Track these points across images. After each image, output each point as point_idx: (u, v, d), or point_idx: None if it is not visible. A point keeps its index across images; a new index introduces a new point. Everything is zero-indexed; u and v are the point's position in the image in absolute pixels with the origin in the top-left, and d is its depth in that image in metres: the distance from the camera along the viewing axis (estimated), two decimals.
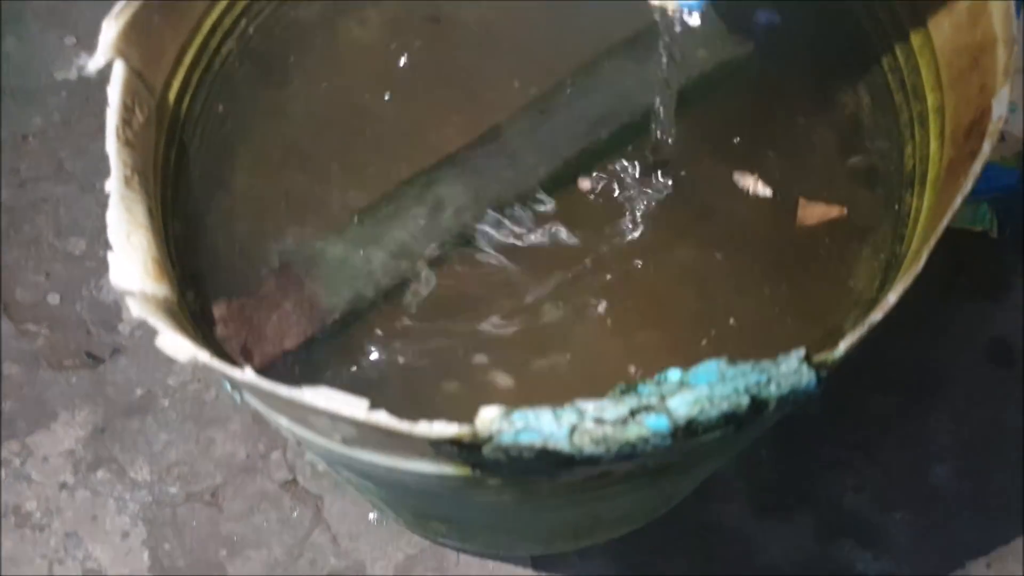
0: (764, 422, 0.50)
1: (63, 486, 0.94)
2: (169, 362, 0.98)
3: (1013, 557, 0.93)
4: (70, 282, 1.03)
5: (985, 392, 1.00)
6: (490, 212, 0.63)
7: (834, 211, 0.65)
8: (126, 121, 0.52)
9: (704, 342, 0.61)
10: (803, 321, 0.61)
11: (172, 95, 0.60)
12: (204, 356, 0.45)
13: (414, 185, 0.63)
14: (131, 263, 0.49)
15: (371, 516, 0.93)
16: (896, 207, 0.64)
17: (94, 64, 0.51)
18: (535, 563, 0.92)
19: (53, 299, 1.02)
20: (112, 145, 0.50)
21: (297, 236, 0.62)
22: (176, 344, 0.46)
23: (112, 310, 1.01)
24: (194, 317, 0.57)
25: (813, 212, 0.65)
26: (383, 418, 0.44)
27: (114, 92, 0.51)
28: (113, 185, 0.49)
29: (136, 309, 0.47)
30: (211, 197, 0.63)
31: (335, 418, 0.46)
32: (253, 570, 0.91)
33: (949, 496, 0.96)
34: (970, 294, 1.04)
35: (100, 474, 0.95)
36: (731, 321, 0.62)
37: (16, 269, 1.03)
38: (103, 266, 1.02)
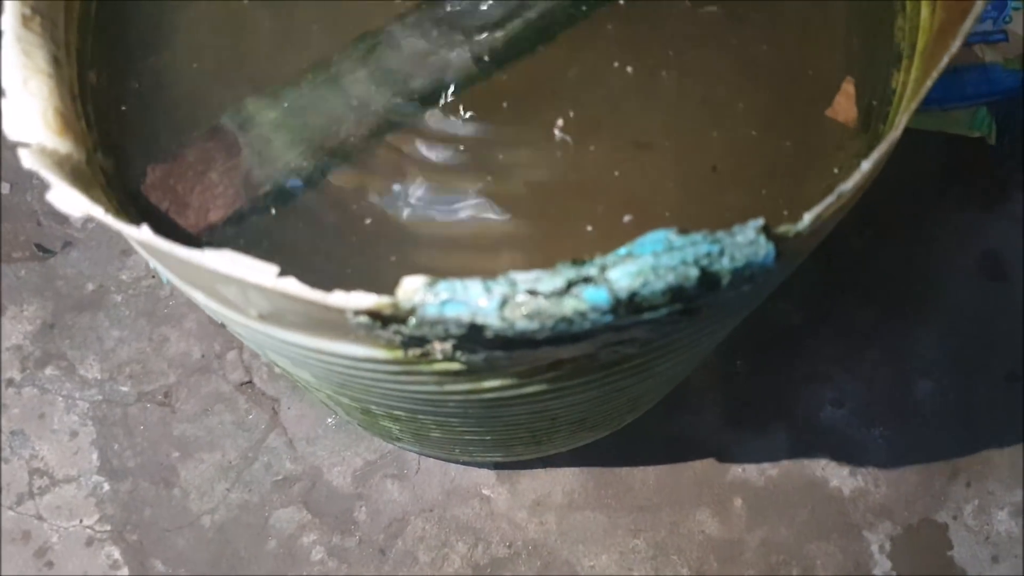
0: (719, 304, 0.46)
1: (9, 383, 0.91)
2: (123, 256, 0.94)
3: (994, 475, 0.90)
4: (20, 170, 0.98)
5: (975, 305, 0.96)
6: (436, 79, 0.57)
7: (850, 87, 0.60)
8: None
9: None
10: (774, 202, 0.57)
11: None
12: (98, 211, 0.41)
13: (358, 48, 0.58)
14: (28, 111, 0.44)
15: (329, 420, 0.90)
16: (883, 86, 0.59)
17: None
18: (498, 473, 0.89)
19: (3, 188, 0.97)
20: None
21: (229, 99, 0.56)
22: (69, 198, 0.41)
23: None
24: (113, 185, 0.52)
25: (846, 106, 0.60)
26: (293, 286, 0.40)
27: None
28: (7, 22, 0.44)
29: (28, 161, 0.42)
30: (138, 55, 0.57)
31: (244, 287, 0.42)
32: (205, 473, 0.88)
33: (931, 412, 0.93)
34: (964, 203, 1.00)
35: (48, 371, 0.91)
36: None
37: None
38: None
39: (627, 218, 0.54)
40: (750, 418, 0.92)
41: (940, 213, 1.00)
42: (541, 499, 0.88)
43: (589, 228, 0.55)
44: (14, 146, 0.44)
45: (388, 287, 0.54)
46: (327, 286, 0.51)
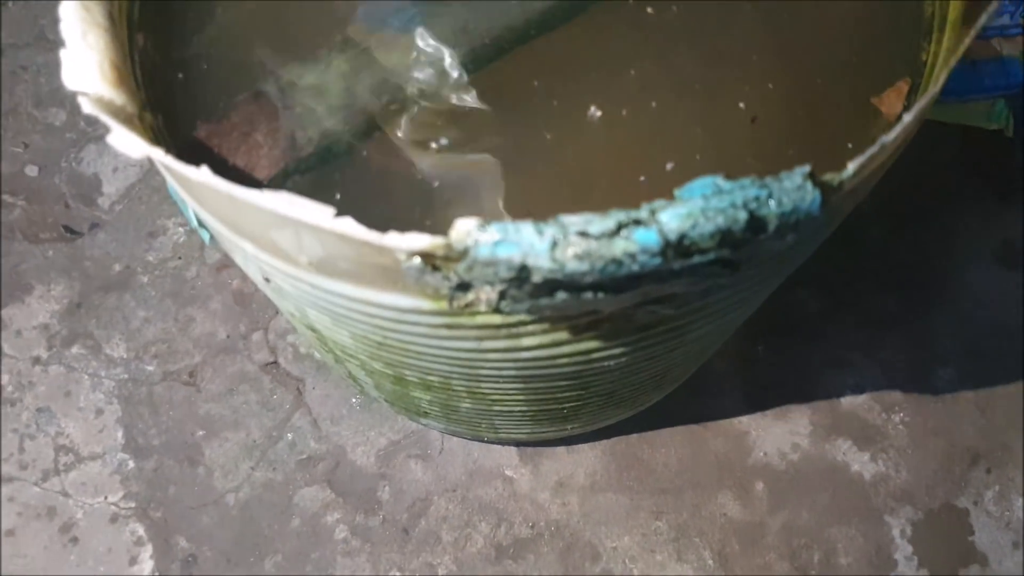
0: (760, 256, 0.47)
1: (36, 360, 0.91)
2: (149, 238, 0.95)
3: (1014, 462, 0.91)
4: (49, 153, 0.99)
5: (992, 294, 0.97)
6: (479, 48, 0.58)
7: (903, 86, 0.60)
8: None
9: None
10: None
11: None
12: (158, 153, 0.42)
13: (401, 17, 0.59)
14: (86, 62, 0.45)
15: (353, 400, 0.90)
16: (913, 59, 0.60)
17: None
18: (521, 454, 0.90)
19: (31, 170, 0.98)
20: None
21: (274, 62, 0.57)
22: (128, 141, 0.42)
23: (92, 183, 0.98)
24: (159, 143, 0.53)
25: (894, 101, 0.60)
26: (350, 226, 0.41)
27: None
28: None
29: (88, 107, 0.43)
30: (183, 18, 0.58)
31: (300, 229, 0.43)
32: (230, 451, 0.89)
33: (951, 398, 0.93)
34: (981, 194, 1.01)
35: (75, 349, 0.92)
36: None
37: None
38: (84, 137, 0.99)
39: (670, 165, 0.55)
40: (772, 402, 0.92)
41: (958, 203, 1.01)
42: (564, 480, 0.89)
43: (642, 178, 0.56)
44: (73, 93, 0.45)
45: None
46: None
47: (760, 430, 0.91)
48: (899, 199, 0.98)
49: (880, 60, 0.61)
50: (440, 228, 0.57)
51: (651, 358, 0.64)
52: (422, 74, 0.58)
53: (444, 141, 0.57)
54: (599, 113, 0.58)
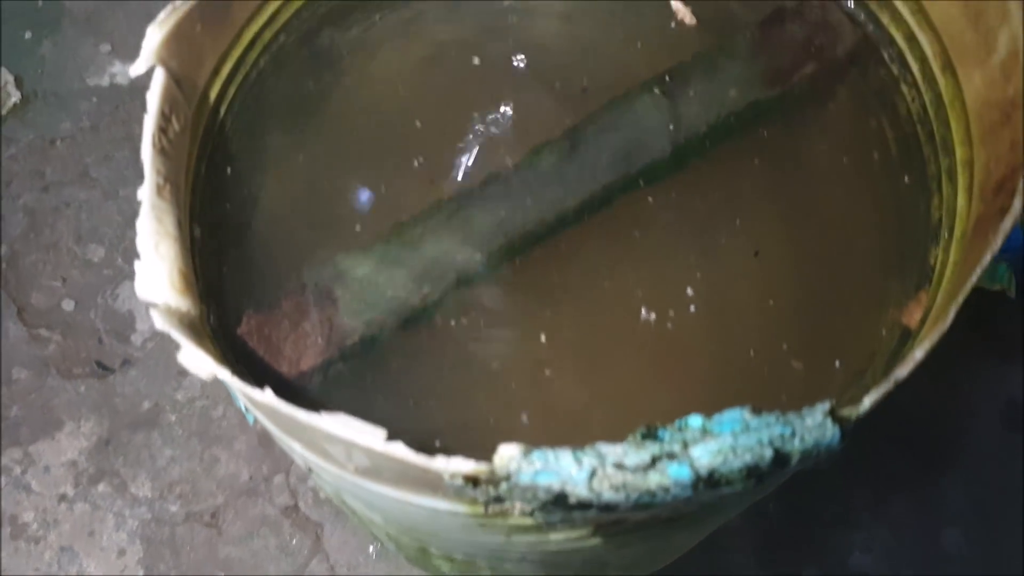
0: (783, 475, 0.50)
1: (62, 498, 0.93)
2: (179, 376, 0.98)
3: None
4: (86, 289, 1.02)
5: (998, 456, 0.99)
6: (515, 241, 0.62)
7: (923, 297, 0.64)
8: (162, 129, 0.51)
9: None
10: (823, 374, 0.61)
11: (208, 105, 0.60)
12: (225, 374, 0.45)
13: (443, 210, 0.63)
14: (158, 274, 0.49)
15: (371, 548, 0.92)
16: (921, 262, 0.63)
17: (135, 70, 0.51)
18: None
19: (68, 305, 1.02)
20: (147, 153, 0.50)
21: (322, 254, 0.61)
22: (197, 360, 0.45)
23: (126, 320, 1.01)
24: (213, 330, 0.56)
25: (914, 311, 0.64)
26: (400, 450, 0.43)
27: (153, 99, 0.51)
28: (145, 194, 0.49)
29: (160, 322, 0.46)
30: (238, 209, 0.62)
31: (351, 447, 0.46)
32: None
33: (959, 562, 0.94)
34: (985, 354, 1.04)
35: (101, 487, 0.94)
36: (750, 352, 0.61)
37: (33, 273, 1.03)
38: (120, 274, 1.03)
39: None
40: (782, 560, 0.94)
41: (963, 362, 1.04)
42: None
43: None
44: (146, 305, 0.48)
45: (460, 432, 0.58)
46: (403, 427, 0.54)
47: None
48: None
49: (891, 261, 0.65)
50: (473, 422, 0.60)
51: (671, 540, 0.66)
52: (461, 265, 0.62)
53: (478, 331, 0.61)
54: (642, 315, 0.62)
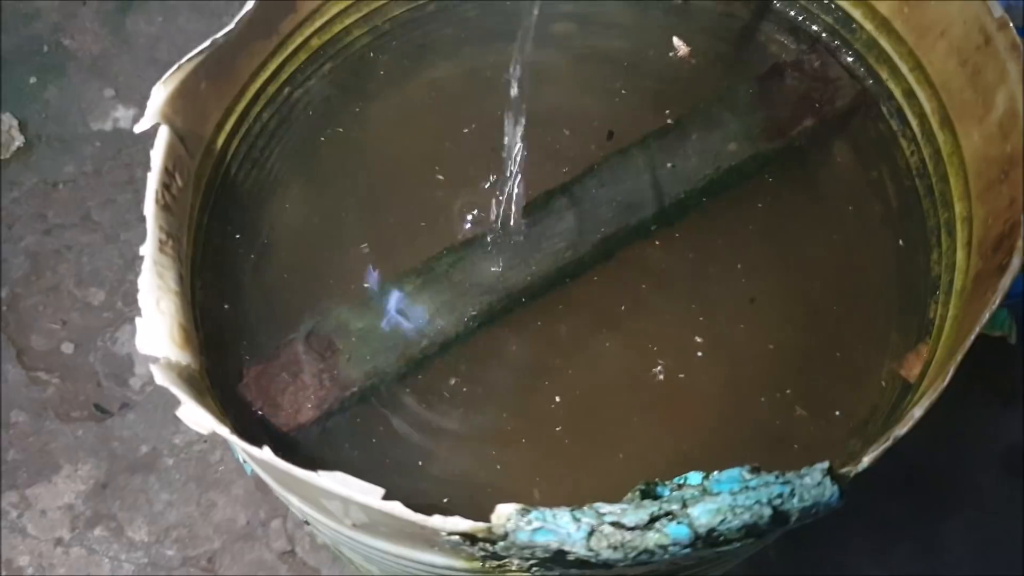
0: (782, 531, 0.50)
1: (59, 542, 0.93)
2: (177, 420, 0.97)
3: None
4: (85, 332, 1.03)
5: (998, 501, 0.99)
6: (514, 294, 0.63)
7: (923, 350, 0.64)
8: (166, 186, 0.52)
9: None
10: (824, 424, 0.61)
11: (212, 158, 0.60)
12: (224, 431, 0.45)
13: (442, 262, 0.63)
14: (158, 330, 0.49)
15: None
16: (920, 315, 0.63)
17: (140, 127, 0.52)
18: None
19: (67, 348, 1.02)
20: (151, 209, 0.50)
21: (321, 305, 0.62)
22: (197, 416, 0.46)
23: (125, 363, 1.01)
24: (212, 381, 0.56)
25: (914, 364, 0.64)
26: (398, 509, 0.43)
27: (156, 157, 0.52)
28: (148, 250, 0.49)
29: (160, 377, 0.47)
30: (239, 261, 0.63)
31: (348, 503, 0.46)
32: None
33: None
34: (986, 400, 1.03)
35: (98, 531, 0.93)
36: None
37: (34, 315, 1.03)
38: (120, 317, 1.03)
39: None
40: None
41: (963, 408, 1.04)
42: None
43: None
44: (146, 359, 0.48)
45: (455, 489, 0.57)
46: (395, 479, 0.54)
47: None
48: None
49: (891, 313, 0.65)
50: (481, 469, 0.60)
51: None
52: (461, 317, 0.62)
53: (471, 385, 0.61)
54: (646, 364, 0.62)
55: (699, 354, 0.62)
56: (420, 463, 0.59)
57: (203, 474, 0.96)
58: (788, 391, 0.62)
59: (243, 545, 0.93)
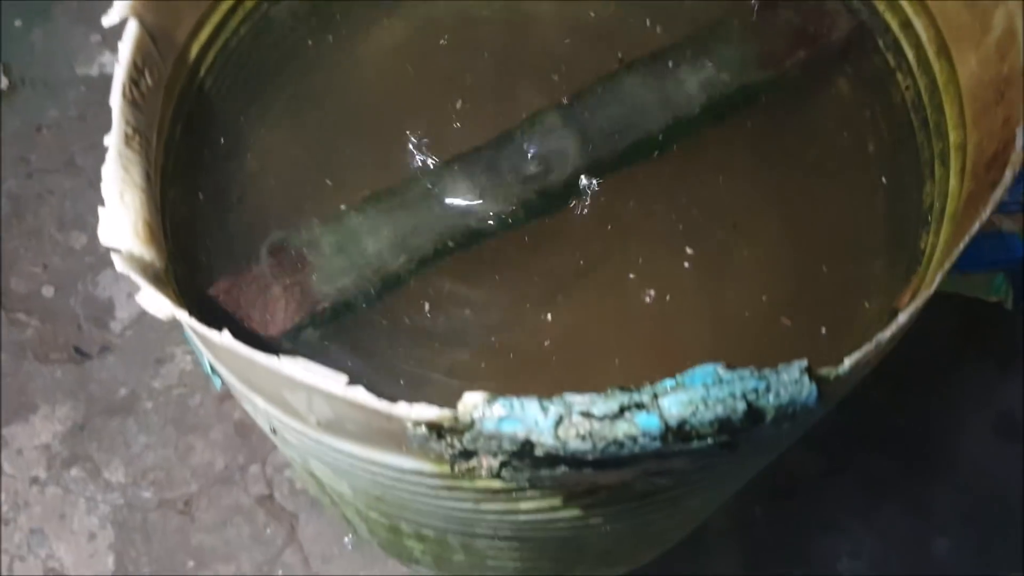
0: (758, 440, 0.48)
1: (34, 481, 0.91)
2: (156, 364, 0.96)
3: None
4: (67, 275, 1.01)
5: (991, 465, 0.97)
6: (494, 214, 0.61)
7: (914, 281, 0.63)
8: (134, 81, 0.51)
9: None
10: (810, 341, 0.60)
11: (186, 67, 0.59)
12: (182, 315, 0.43)
13: (421, 180, 0.62)
14: (122, 221, 0.48)
15: (346, 540, 0.90)
16: (912, 247, 0.62)
17: (108, 20, 0.50)
18: None
19: (47, 291, 1.00)
20: (117, 101, 0.49)
21: (295, 220, 0.60)
22: (155, 301, 0.44)
23: (105, 307, 1.00)
24: (180, 291, 0.55)
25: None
26: (361, 395, 0.42)
27: (124, 49, 0.50)
28: (113, 141, 0.48)
29: (120, 266, 0.45)
30: (212, 174, 0.61)
31: (312, 393, 0.44)
32: None
33: (948, 569, 0.92)
34: (981, 364, 1.02)
35: (74, 472, 0.92)
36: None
37: (14, 258, 1.02)
38: (101, 262, 1.01)
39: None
40: (768, 565, 0.92)
41: (957, 372, 1.02)
42: None
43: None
44: (107, 250, 0.47)
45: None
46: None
47: None
48: (900, 364, 0.99)
49: (879, 244, 0.64)
50: (446, 387, 0.58)
51: (648, 523, 0.64)
52: (440, 235, 0.61)
53: (452, 301, 0.59)
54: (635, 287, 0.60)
55: (687, 278, 0.61)
56: (401, 382, 0.58)
57: (182, 417, 0.94)
58: (779, 315, 0.60)
59: (220, 488, 0.91)
